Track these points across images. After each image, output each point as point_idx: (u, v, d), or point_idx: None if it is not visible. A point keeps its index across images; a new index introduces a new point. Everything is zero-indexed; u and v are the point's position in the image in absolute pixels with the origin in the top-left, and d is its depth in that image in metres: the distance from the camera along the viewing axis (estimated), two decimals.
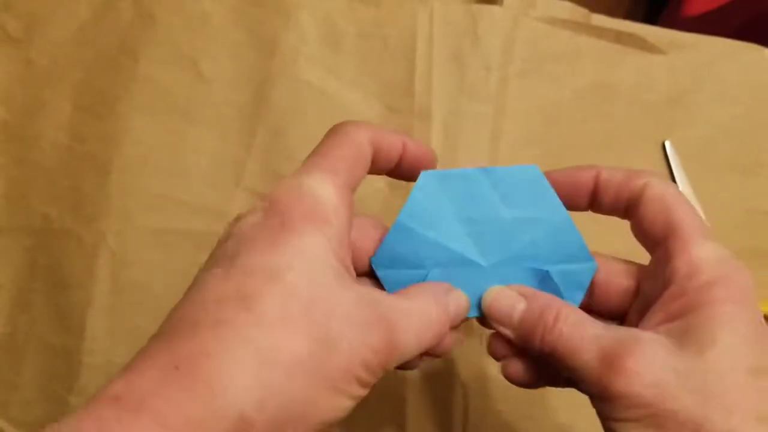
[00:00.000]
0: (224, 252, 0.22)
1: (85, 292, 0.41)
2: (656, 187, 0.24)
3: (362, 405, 0.39)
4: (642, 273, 0.25)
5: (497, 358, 0.27)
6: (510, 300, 0.25)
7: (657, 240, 0.24)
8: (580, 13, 0.46)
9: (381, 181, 0.43)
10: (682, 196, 0.24)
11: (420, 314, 0.23)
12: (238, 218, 0.23)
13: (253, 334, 0.19)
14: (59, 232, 0.42)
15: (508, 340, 0.26)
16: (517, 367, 0.26)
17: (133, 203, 0.42)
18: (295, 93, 0.44)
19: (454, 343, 0.26)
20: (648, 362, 0.21)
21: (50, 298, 0.41)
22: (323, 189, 0.22)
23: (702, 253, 0.22)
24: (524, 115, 0.45)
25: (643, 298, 0.25)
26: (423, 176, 0.26)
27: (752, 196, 0.44)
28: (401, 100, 0.44)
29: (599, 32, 0.46)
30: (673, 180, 0.44)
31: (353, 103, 0.45)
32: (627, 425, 0.21)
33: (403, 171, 0.27)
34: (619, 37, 0.46)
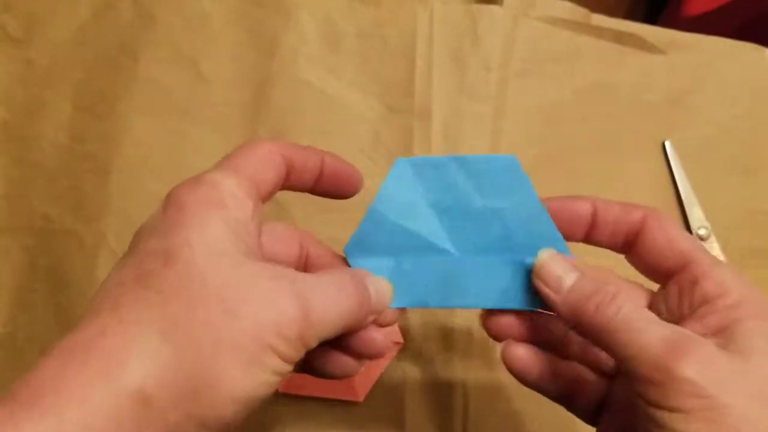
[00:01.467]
0: (128, 248, 0.22)
1: (84, 292, 0.41)
2: (656, 221, 0.25)
3: (362, 405, 0.40)
4: (654, 298, 0.26)
5: (498, 338, 0.27)
6: (564, 266, 0.25)
7: (670, 270, 0.25)
8: (580, 13, 0.46)
9: None
10: (680, 226, 0.25)
11: (336, 286, 0.23)
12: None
13: (150, 311, 0.19)
14: (59, 232, 0.42)
15: (514, 321, 0.26)
16: (518, 351, 0.26)
17: (133, 203, 0.42)
18: (295, 93, 0.44)
19: (384, 345, 0.26)
20: (711, 356, 0.21)
21: (50, 298, 0.41)
22: (221, 178, 0.23)
23: (725, 277, 0.23)
24: (524, 115, 0.45)
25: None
26: (397, 163, 0.26)
27: (752, 196, 0.44)
28: (401, 100, 0.44)
29: (599, 32, 0.46)
30: (673, 180, 0.44)
31: (353, 103, 0.45)
32: (677, 416, 0.20)
33: (324, 188, 0.27)
34: (619, 37, 0.46)
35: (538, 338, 0.27)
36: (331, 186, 0.27)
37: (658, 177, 0.44)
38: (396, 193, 0.26)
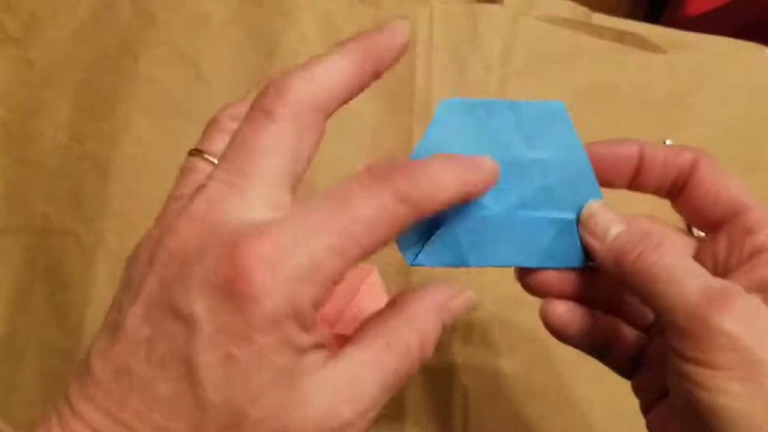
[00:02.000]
0: (164, 333, 0.19)
1: (84, 292, 0.41)
2: (708, 164, 0.24)
3: None
4: (701, 249, 0.25)
5: (537, 294, 0.26)
6: (612, 217, 0.24)
7: (720, 218, 0.24)
8: (580, 12, 0.46)
9: None
10: (731, 171, 0.24)
11: (353, 382, 0.21)
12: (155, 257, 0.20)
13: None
14: (59, 231, 0.42)
15: (554, 276, 0.25)
16: (558, 309, 0.25)
17: (132, 203, 0.42)
18: None
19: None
20: (754, 310, 0.20)
21: (50, 298, 0.41)
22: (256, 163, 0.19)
23: None
24: None
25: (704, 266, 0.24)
26: (443, 105, 0.24)
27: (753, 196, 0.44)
28: (401, 100, 0.44)
29: (600, 31, 0.46)
30: None
31: (353, 103, 0.44)
32: (712, 372, 0.19)
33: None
34: (620, 37, 0.45)
35: (576, 293, 0.26)
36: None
37: None
38: (442, 133, 0.24)
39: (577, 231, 0.25)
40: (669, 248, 0.22)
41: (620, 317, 0.27)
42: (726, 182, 0.24)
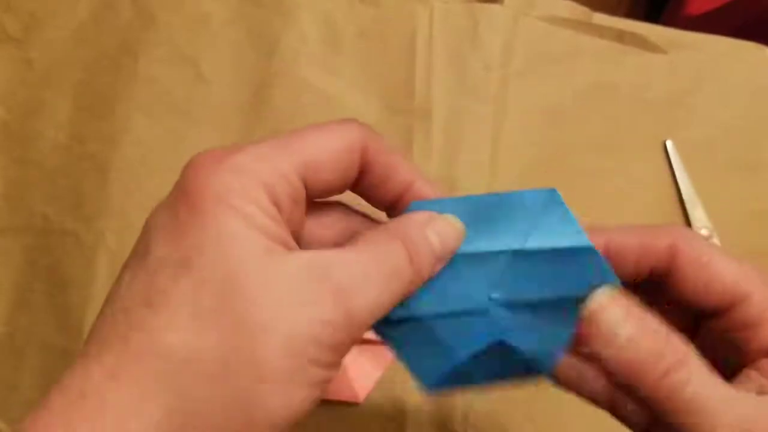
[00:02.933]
0: (135, 252, 0.19)
1: (84, 292, 0.41)
2: (690, 249, 0.21)
3: (362, 405, 0.39)
4: (696, 333, 0.23)
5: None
6: (620, 313, 0.20)
7: (717, 308, 0.21)
8: (580, 11, 0.46)
9: None
10: (718, 249, 0.21)
11: (384, 266, 0.19)
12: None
13: (163, 341, 0.17)
14: (59, 231, 0.42)
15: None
16: (568, 363, 0.23)
17: (132, 203, 0.42)
18: (295, 93, 0.44)
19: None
20: None
21: (50, 298, 0.41)
22: (251, 162, 0.19)
23: None
24: (525, 115, 0.44)
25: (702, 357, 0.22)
26: (418, 204, 0.22)
27: (754, 196, 0.44)
28: (401, 100, 0.44)
29: (600, 31, 0.46)
30: (675, 180, 0.44)
31: (353, 103, 0.44)
32: None
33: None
34: (620, 36, 0.45)
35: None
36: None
37: (659, 177, 0.44)
38: None
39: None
40: (695, 368, 0.19)
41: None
42: (713, 269, 0.21)
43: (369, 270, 0.19)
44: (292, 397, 0.18)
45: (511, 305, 0.23)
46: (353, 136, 0.20)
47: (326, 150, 0.20)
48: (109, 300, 0.19)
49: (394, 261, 0.19)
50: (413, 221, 0.21)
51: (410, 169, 0.22)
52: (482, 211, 0.23)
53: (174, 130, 0.44)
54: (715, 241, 0.43)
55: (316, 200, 0.22)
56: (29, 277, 0.42)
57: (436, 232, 0.21)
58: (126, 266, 0.19)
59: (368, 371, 0.39)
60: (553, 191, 0.23)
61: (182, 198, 0.19)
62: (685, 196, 0.43)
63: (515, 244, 0.23)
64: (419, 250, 0.20)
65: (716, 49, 0.46)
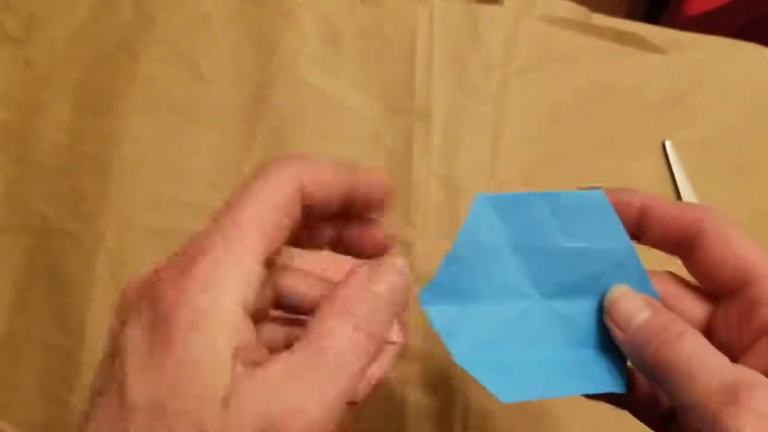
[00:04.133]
0: (110, 374, 0.19)
1: (84, 292, 0.41)
2: (715, 224, 0.23)
3: (363, 405, 0.39)
4: (716, 316, 0.24)
5: None
6: (636, 304, 0.23)
7: (730, 285, 0.23)
8: (580, 12, 0.46)
9: None
10: (743, 232, 0.23)
11: (332, 362, 0.20)
12: (122, 320, 0.20)
13: None
14: (59, 232, 0.42)
15: None
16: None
17: (132, 203, 0.42)
18: (295, 93, 0.44)
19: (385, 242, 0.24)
20: None
21: (50, 298, 0.41)
22: (210, 272, 0.19)
23: None
24: (525, 115, 0.45)
25: (717, 337, 0.23)
26: (477, 200, 0.24)
27: (753, 196, 0.44)
28: (401, 100, 0.44)
29: (600, 31, 0.46)
30: (674, 180, 0.44)
31: (353, 103, 0.44)
32: None
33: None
34: (620, 37, 0.45)
35: None
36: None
37: (658, 177, 0.44)
38: (476, 233, 0.24)
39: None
40: (690, 339, 0.21)
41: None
42: (734, 246, 0.22)
43: (322, 369, 0.19)
44: None
45: (547, 296, 0.25)
46: (285, 184, 0.21)
47: (274, 213, 0.20)
48: (85, 418, 0.19)
49: (338, 350, 0.20)
50: (358, 297, 0.21)
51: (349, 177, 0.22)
52: (530, 208, 0.24)
53: (174, 129, 0.44)
54: None
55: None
56: (29, 277, 0.42)
57: (389, 288, 0.21)
58: (103, 387, 0.19)
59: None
60: (598, 193, 0.24)
61: (156, 322, 0.18)
62: (683, 196, 0.43)
63: (559, 242, 0.24)
64: (373, 327, 0.21)
65: (715, 49, 0.46)
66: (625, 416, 0.26)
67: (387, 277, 0.22)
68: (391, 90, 0.45)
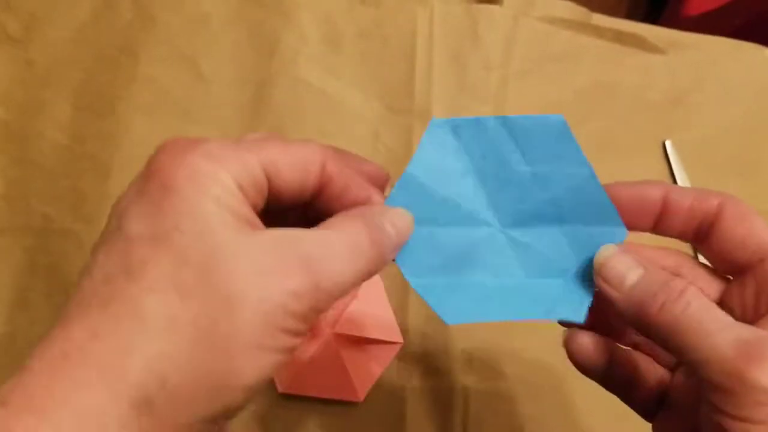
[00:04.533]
0: (106, 232, 0.20)
1: None
2: (734, 208, 0.23)
3: (362, 405, 0.39)
4: (728, 291, 0.24)
5: (561, 323, 0.25)
6: (627, 262, 0.23)
7: (747, 264, 0.23)
8: (580, 12, 0.46)
9: None
10: (758, 215, 0.23)
11: (348, 245, 0.20)
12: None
13: (144, 307, 0.18)
14: (59, 232, 0.42)
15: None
16: (583, 340, 0.24)
17: None
18: (295, 93, 0.44)
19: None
20: None
21: (50, 298, 0.41)
22: (218, 150, 0.20)
23: None
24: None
25: (731, 313, 0.23)
26: (433, 123, 0.23)
27: (753, 196, 0.44)
28: (401, 100, 0.44)
29: (599, 32, 0.46)
30: (674, 180, 0.44)
31: (353, 103, 0.45)
32: (752, 427, 0.19)
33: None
34: (620, 37, 0.45)
35: (600, 325, 0.25)
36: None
37: (658, 177, 0.44)
38: (432, 156, 0.23)
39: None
40: (693, 297, 0.21)
41: (646, 353, 0.26)
42: (753, 227, 0.23)
43: (334, 244, 0.20)
44: (263, 363, 0.19)
45: (509, 224, 0.24)
46: (313, 151, 0.22)
47: (287, 155, 0.21)
48: (85, 274, 0.19)
49: (357, 238, 0.21)
50: (371, 210, 0.22)
51: (366, 186, 0.23)
52: (492, 135, 0.23)
53: (174, 129, 0.44)
54: None
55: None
56: (29, 277, 0.42)
57: (392, 222, 0.22)
58: (98, 245, 0.20)
59: (368, 370, 0.39)
60: (559, 117, 0.23)
61: (154, 177, 0.19)
62: None
63: (517, 167, 0.23)
64: (379, 233, 0.22)
65: (716, 49, 0.46)
66: (626, 417, 0.26)
67: (395, 210, 0.23)
68: (391, 90, 0.45)
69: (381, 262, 0.22)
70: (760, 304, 0.22)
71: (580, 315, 0.23)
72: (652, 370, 0.26)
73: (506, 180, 0.24)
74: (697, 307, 0.21)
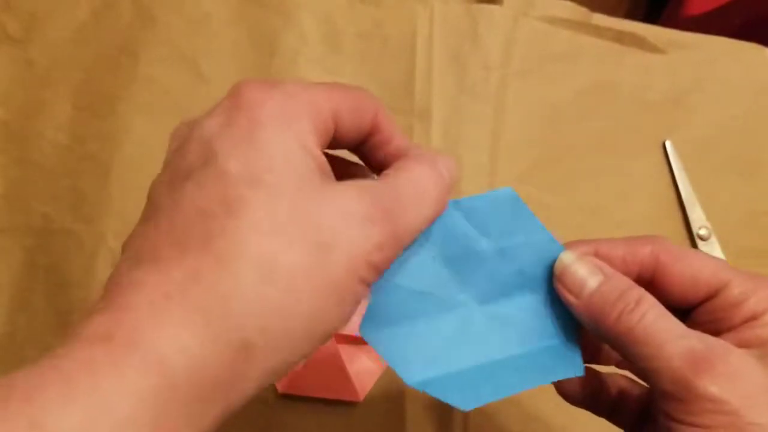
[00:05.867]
0: (188, 161, 0.19)
1: (84, 292, 0.41)
2: (669, 255, 0.23)
3: (362, 405, 0.39)
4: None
5: None
6: (587, 269, 0.23)
7: (702, 298, 0.23)
8: (580, 12, 0.46)
9: None
10: (697, 252, 0.24)
11: (418, 190, 0.21)
12: (189, 122, 0.21)
13: (245, 246, 0.17)
14: (59, 232, 0.42)
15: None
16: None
17: (133, 203, 0.42)
18: None
19: None
20: (740, 370, 0.20)
21: (50, 298, 0.41)
22: (300, 91, 0.20)
23: (762, 295, 0.22)
24: (524, 115, 0.45)
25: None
26: None
27: (753, 196, 0.44)
28: (401, 100, 0.44)
29: (599, 32, 0.46)
30: (674, 180, 0.44)
31: None
32: (699, 431, 0.20)
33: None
34: (620, 37, 0.45)
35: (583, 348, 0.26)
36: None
37: (658, 177, 0.44)
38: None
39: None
40: (649, 307, 0.22)
41: (626, 368, 0.27)
42: (696, 265, 0.23)
43: (409, 193, 0.20)
44: (344, 311, 0.19)
45: (481, 299, 0.24)
46: (370, 99, 0.22)
47: (349, 100, 0.21)
48: (170, 204, 0.19)
49: (425, 186, 0.21)
50: (431, 156, 0.22)
51: (405, 138, 0.24)
52: (450, 220, 0.24)
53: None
54: (714, 240, 0.43)
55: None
56: (29, 277, 0.42)
57: (447, 167, 0.23)
58: (182, 174, 0.19)
59: (368, 370, 0.39)
60: (508, 190, 0.24)
61: (242, 110, 0.19)
62: (683, 196, 0.43)
63: (478, 245, 0.24)
64: (441, 178, 0.22)
65: (716, 49, 0.46)
66: None
67: (449, 163, 0.23)
68: (391, 90, 0.45)
69: (442, 207, 0.22)
70: (720, 326, 0.23)
71: (578, 370, 0.24)
72: (635, 388, 0.26)
73: (472, 260, 0.24)
74: (652, 318, 0.21)
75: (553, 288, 0.24)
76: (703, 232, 0.43)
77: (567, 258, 0.24)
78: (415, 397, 0.40)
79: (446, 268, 0.24)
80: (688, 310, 0.24)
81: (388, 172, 0.21)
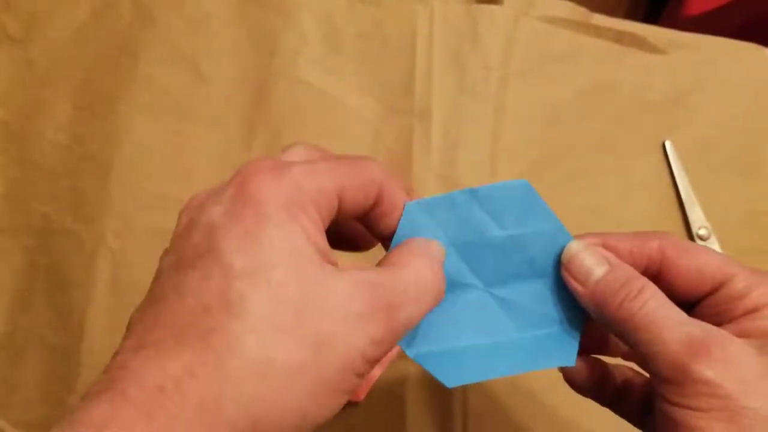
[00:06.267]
0: (194, 247, 0.20)
1: (85, 292, 0.41)
2: (675, 250, 0.24)
3: (362, 405, 0.39)
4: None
5: None
6: (593, 258, 0.24)
7: (708, 292, 0.24)
8: (580, 12, 0.46)
9: None
10: (702, 247, 0.24)
11: (417, 281, 0.21)
12: (197, 203, 0.21)
13: (243, 345, 0.18)
14: (59, 232, 0.42)
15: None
16: (578, 363, 0.26)
17: (133, 203, 0.42)
18: (295, 93, 0.44)
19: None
20: (737, 356, 0.21)
21: (50, 298, 0.41)
22: (303, 178, 0.20)
23: (765, 288, 0.23)
24: (524, 115, 0.45)
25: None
26: (407, 207, 0.24)
27: (752, 196, 0.44)
28: (401, 100, 0.44)
29: (599, 32, 0.46)
30: (674, 180, 0.44)
31: (353, 103, 0.45)
32: (695, 414, 0.20)
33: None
34: (620, 37, 0.45)
35: (590, 339, 0.26)
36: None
37: (658, 177, 0.44)
38: (411, 237, 0.24)
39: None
40: (651, 295, 0.22)
41: (634, 361, 0.27)
42: (702, 259, 0.24)
43: (408, 287, 0.21)
44: (335, 404, 0.20)
45: (492, 284, 0.25)
46: (376, 172, 0.23)
47: (355, 178, 0.22)
48: (174, 291, 0.19)
49: (424, 278, 0.22)
50: (428, 245, 0.23)
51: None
52: (464, 208, 0.25)
53: (174, 130, 0.44)
54: (713, 240, 0.43)
55: None
56: (29, 277, 0.42)
57: (438, 251, 0.23)
58: (187, 261, 0.20)
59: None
60: (523, 182, 0.25)
61: (247, 202, 0.19)
62: (683, 197, 0.43)
63: (492, 233, 0.25)
64: (439, 268, 0.23)
65: (715, 49, 0.46)
66: (624, 422, 0.27)
67: (435, 243, 0.24)
68: (391, 90, 0.45)
69: (440, 297, 0.23)
70: (722, 318, 0.23)
71: (570, 359, 0.25)
72: (639, 378, 0.27)
73: (483, 247, 0.25)
74: (653, 305, 0.22)
75: (560, 277, 0.25)
76: (702, 232, 0.43)
77: (574, 247, 0.24)
78: (415, 397, 0.40)
79: (457, 252, 0.25)
80: (692, 304, 0.24)
81: (389, 262, 0.22)
